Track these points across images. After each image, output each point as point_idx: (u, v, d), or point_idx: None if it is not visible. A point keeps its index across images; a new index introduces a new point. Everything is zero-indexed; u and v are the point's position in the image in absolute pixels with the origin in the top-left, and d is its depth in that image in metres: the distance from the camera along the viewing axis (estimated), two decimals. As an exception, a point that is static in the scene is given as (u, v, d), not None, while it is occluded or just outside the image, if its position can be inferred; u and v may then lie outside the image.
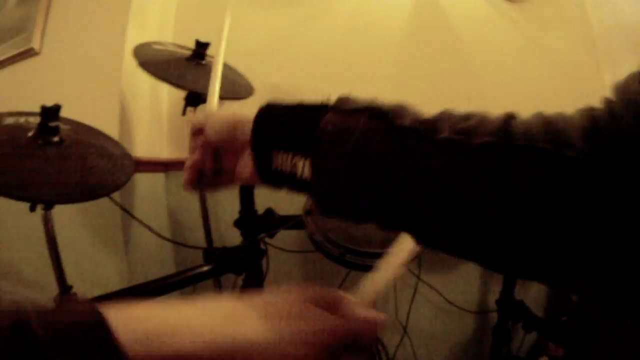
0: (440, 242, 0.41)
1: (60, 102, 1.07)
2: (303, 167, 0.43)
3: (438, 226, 0.38)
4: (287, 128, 0.45)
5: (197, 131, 0.56)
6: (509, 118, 0.37)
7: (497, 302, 1.75)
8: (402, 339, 1.88)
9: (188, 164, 0.56)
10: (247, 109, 0.50)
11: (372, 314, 0.42)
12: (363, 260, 1.12)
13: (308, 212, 1.24)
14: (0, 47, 1.86)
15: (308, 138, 0.42)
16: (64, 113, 1.06)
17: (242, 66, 1.58)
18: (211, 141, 0.54)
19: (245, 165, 0.51)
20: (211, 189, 0.60)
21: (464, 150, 0.36)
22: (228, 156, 0.55)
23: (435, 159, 0.36)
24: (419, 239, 0.43)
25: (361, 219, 0.44)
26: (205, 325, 0.35)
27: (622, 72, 0.36)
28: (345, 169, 0.40)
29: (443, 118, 0.39)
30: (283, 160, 0.45)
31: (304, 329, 0.37)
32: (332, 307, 0.41)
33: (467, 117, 0.38)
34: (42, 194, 0.93)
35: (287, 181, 0.46)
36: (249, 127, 0.48)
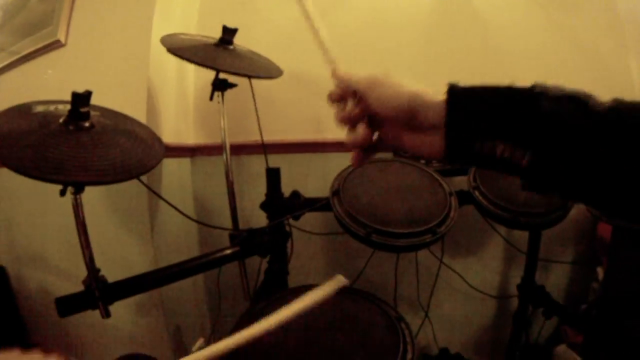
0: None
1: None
2: (504, 150, 0.45)
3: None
4: (497, 117, 0.46)
5: (345, 96, 0.56)
6: None
7: (518, 286, 1.75)
8: (422, 323, 1.89)
9: (355, 141, 0.54)
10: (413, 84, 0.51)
11: None
12: (389, 240, 1.13)
13: (335, 193, 1.26)
14: (25, 40, 1.91)
15: (526, 129, 0.45)
16: (92, 102, 1.08)
17: (269, 52, 1.61)
18: (375, 113, 0.53)
19: (424, 142, 0.51)
20: (367, 160, 0.58)
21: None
22: (386, 125, 0.54)
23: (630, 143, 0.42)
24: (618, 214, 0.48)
25: (572, 196, 0.49)
26: None
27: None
28: (562, 155, 0.44)
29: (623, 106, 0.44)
30: (483, 146, 0.46)
31: None
32: None
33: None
34: (75, 177, 0.96)
35: (481, 161, 0.48)
36: (434, 110, 0.49)
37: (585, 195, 0.47)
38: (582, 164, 0.44)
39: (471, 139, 0.47)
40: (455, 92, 0.48)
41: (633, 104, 0.44)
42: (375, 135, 0.56)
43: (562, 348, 1.78)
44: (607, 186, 0.44)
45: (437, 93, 0.50)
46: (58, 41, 1.76)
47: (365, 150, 0.56)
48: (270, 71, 1.48)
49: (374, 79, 0.53)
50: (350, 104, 0.55)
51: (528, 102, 0.45)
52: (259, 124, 1.60)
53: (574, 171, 0.44)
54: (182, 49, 1.31)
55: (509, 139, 0.45)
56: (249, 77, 1.47)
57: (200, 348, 1.78)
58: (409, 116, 0.50)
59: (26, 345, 2.04)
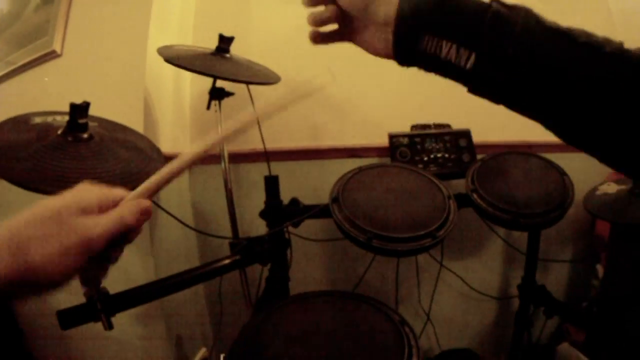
0: (575, 129, 0.47)
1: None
2: (450, 51, 0.46)
3: (579, 110, 0.45)
4: (445, 15, 0.47)
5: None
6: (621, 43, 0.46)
7: (518, 287, 1.76)
8: (425, 326, 1.90)
9: (310, 17, 0.57)
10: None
11: (138, 205, 0.47)
12: (389, 245, 1.13)
13: (334, 199, 1.26)
14: (21, 51, 1.91)
15: (473, 28, 0.45)
16: (89, 112, 1.08)
17: (265, 61, 1.61)
18: (339, 4, 0.55)
19: (378, 38, 0.53)
20: (330, 42, 0.61)
21: (600, 54, 0.44)
22: (351, 18, 0.56)
23: (580, 55, 0.44)
24: (556, 127, 0.49)
25: (508, 101, 0.49)
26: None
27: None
28: (510, 58, 0.44)
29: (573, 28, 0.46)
30: (429, 44, 0.47)
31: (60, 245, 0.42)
32: (109, 205, 0.47)
33: (593, 33, 0.46)
34: (75, 189, 0.95)
35: (427, 62, 0.49)
36: (387, 4, 0.50)
37: (528, 104, 0.48)
38: (528, 68, 0.45)
39: (419, 33, 0.47)
40: None
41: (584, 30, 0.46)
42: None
43: (564, 346, 1.78)
44: (550, 95, 0.45)
45: None
46: (54, 52, 1.75)
47: (324, 33, 0.59)
48: (268, 77, 1.48)
49: None
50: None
51: (479, 5, 0.47)
52: (260, 132, 1.61)
53: (517, 76, 0.45)
54: (179, 58, 1.31)
55: (455, 37, 0.46)
56: (247, 83, 1.47)
57: (203, 358, 1.75)
58: (366, 9, 0.51)
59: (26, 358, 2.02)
